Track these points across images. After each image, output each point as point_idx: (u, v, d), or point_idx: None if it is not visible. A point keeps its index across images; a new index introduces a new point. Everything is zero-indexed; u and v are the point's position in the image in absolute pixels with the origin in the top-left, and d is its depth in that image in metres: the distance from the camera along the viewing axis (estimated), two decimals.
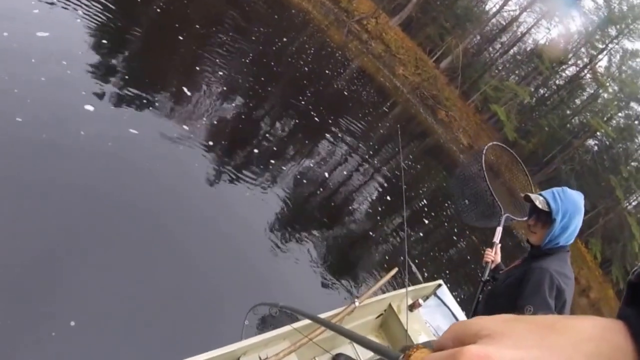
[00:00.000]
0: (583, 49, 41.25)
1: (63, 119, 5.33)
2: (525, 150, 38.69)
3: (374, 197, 11.20)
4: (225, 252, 5.68)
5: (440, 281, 5.53)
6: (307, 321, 3.42)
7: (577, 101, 42.71)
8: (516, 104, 38.43)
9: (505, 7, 41.91)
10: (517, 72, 44.01)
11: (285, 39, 16.40)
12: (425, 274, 9.18)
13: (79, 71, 6.17)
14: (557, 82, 43.22)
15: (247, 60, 11.71)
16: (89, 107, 5.69)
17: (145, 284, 4.38)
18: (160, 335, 4.12)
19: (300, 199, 8.04)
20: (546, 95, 43.57)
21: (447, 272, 10.83)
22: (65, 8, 7.17)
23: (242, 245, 6.01)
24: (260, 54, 12.95)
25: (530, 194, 3.03)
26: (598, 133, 38.74)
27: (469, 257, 13.39)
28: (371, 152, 13.69)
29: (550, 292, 2.63)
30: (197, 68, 9.12)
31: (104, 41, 7.25)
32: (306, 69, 15.49)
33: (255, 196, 7.06)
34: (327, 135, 11.75)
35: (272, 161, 8.22)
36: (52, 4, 7.01)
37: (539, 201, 2.93)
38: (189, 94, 7.88)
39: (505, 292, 2.97)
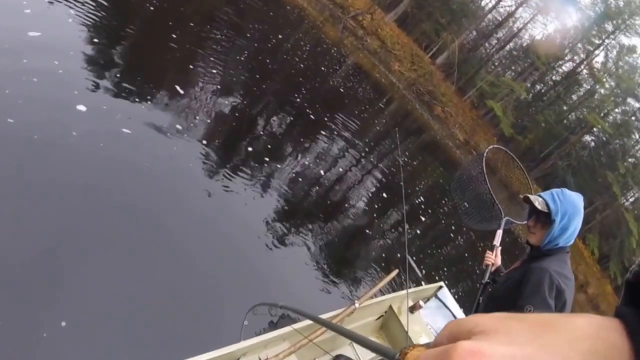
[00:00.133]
0: (579, 45, 41.30)
1: (55, 119, 5.28)
2: (521, 146, 38.73)
3: (372, 195, 11.16)
4: (224, 251, 5.64)
5: (441, 283, 5.53)
6: (306, 322, 3.45)
7: (574, 97, 42.74)
8: (512, 99, 38.41)
9: (501, 3, 41.98)
10: (513, 67, 44.03)
11: (280, 36, 16.34)
12: (424, 270, 9.15)
13: (71, 71, 6.11)
14: (553, 77, 43.25)
15: (242, 58, 11.64)
16: (82, 107, 5.63)
17: (142, 284, 4.34)
18: (159, 336, 4.08)
19: (297, 197, 8.01)
20: (542, 91, 43.60)
21: (445, 269, 10.79)
22: (57, 7, 7.10)
23: (241, 244, 5.97)
24: (256, 51, 12.88)
25: (529, 195, 3.01)
26: (595, 129, 38.81)
27: (466, 255, 13.38)
28: (367, 150, 13.66)
29: (550, 292, 2.61)
30: (191, 66, 9.05)
31: (97, 40, 7.18)
32: (302, 65, 15.44)
33: (252, 195, 7.02)
34: (324, 133, 11.70)
35: (268, 159, 8.15)
36: (43, 3, 6.95)
37: (538, 202, 2.92)
38: (183, 92, 7.81)
39: (505, 294, 2.96)
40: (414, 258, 9.41)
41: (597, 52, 40.72)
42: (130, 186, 5.36)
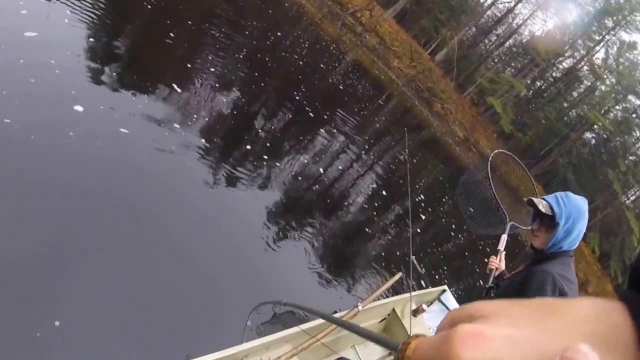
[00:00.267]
0: (580, 41, 41.23)
1: (52, 119, 5.25)
2: (522, 143, 38.71)
3: (372, 194, 11.14)
4: (225, 250, 5.62)
5: (445, 287, 5.52)
6: (309, 324, 3.46)
7: (574, 94, 42.70)
8: (512, 96, 38.40)
9: None
10: (513, 64, 43.97)
11: (279, 33, 16.29)
12: (423, 269, 9.11)
13: (68, 71, 6.07)
14: (553, 74, 43.21)
15: (241, 56, 11.59)
16: (79, 108, 5.60)
17: (141, 284, 4.32)
18: (159, 337, 4.05)
19: (297, 196, 7.99)
20: (543, 87, 43.57)
21: (445, 268, 10.75)
22: (54, 7, 7.06)
23: (242, 244, 5.96)
24: (254, 48, 12.84)
25: (533, 199, 3.00)
26: (595, 126, 38.74)
27: (467, 253, 13.35)
28: (367, 147, 13.62)
29: (553, 295, 2.56)
30: (189, 65, 9.01)
31: (94, 40, 7.13)
32: (300, 63, 15.40)
33: (252, 193, 7.02)
34: (323, 131, 11.67)
35: (267, 157, 8.13)
36: (40, 3, 6.90)
37: (542, 205, 2.91)
38: (181, 91, 7.77)
39: (508, 297, 2.91)
40: (413, 256, 9.36)
41: (597, 48, 40.68)
42: (128, 186, 5.33)
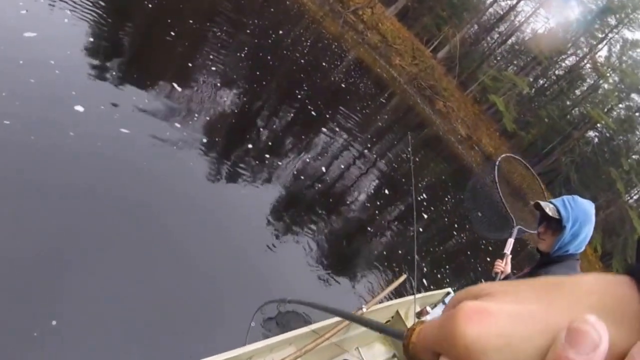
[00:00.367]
0: (582, 39, 41.12)
1: (52, 120, 5.22)
2: (524, 142, 38.66)
3: (375, 193, 11.12)
4: (227, 250, 5.60)
5: (449, 289, 5.52)
6: (314, 326, 3.50)
7: (577, 92, 42.61)
8: (515, 94, 38.27)
9: None
10: (515, 62, 43.87)
11: (280, 32, 16.25)
12: (425, 269, 9.09)
13: (68, 71, 6.04)
14: (556, 72, 43.12)
15: (242, 54, 11.55)
16: (79, 108, 5.57)
17: (141, 285, 4.29)
18: (160, 338, 4.03)
19: (299, 195, 7.99)
20: (545, 85, 43.48)
21: (447, 267, 10.72)
22: (54, 7, 7.02)
23: (244, 244, 5.93)
24: (256, 47, 12.79)
25: (540, 202, 3.00)
26: (598, 125, 38.65)
27: (469, 252, 13.31)
28: (370, 146, 13.62)
29: None
30: (190, 64, 8.97)
31: (94, 40, 7.09)
32: (302, 61, 15.37)
33: (255, 193, 7.01)
34: (325, 129, 11.65)
35: (268, 156, 8.10)
36: (40, 3, 6.86)
37: (549, 208, 2.91)
38: (182, 90, 7.74)
39: None
40: (416, 256, 9.33)
41: (600, 46, 40.57)
42: (129, 185, 5.31)
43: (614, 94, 39.19)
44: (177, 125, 6.83)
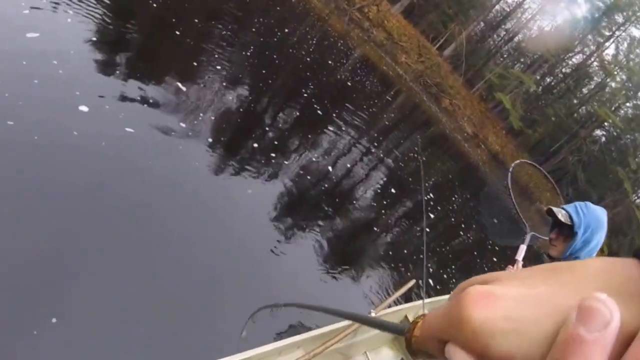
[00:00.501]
0: (590, 36, 40.91)
1: (56, 120, 5.21)
2: (531, 140, 38.54)
3: (382, 192, 11.06)
4: (230, 251, 5.55)
5: None
6: (322, 330, 3.55)
7: (584, 90, 42.40)
8: (522, 92, 38.11)
9: None
10: (522, 59, 43.68)
11: (286, 30, 16.21)
12: (431, 269, 9.03)
13: (72, 71, 6.01)
14: (563, 70, 42.92)
15: (248, 53, 11.51)
16: (83, 108, 5.54)
17: (143, 285, 4.28)
18: (160, 339, 3.99)
19: (304, 195, 7.95)
20: (552, 83, 43.27)
21: (454, 267, 10.64)
22: (56, 7, 6.99)
23: (247, 244, 5.89)
24: (261, 45, 12.75)
25: (552, 208, 2.97)
26: (605, 123, 38.46)
27: (475, 253, 13.25)
28: (376, 144, 13.56)
29: None
30: (195, 63, 8.92)
31: (97, 40, 7.05)
32: (308, 59, 15.33)
33: (259, 192, 6.99)
34: (331, 128, 11.61)
35: (274, 155, 8.07)
36: (42, 3, 6.83)
37: (561, 214, 2.87)
38: (187, 90, 7.70)
39: None
40: (421, 255, 9.27)
41: (607, 44, 40.35)
42: (133, 185, 5.29)
43: (622, 93, 39.02)
44: (182, 124, 6.80)
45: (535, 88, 40.02)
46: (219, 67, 9.34)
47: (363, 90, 18.40)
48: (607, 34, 39.95)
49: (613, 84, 40.41)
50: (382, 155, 13.22)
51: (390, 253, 8.62)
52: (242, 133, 8.18)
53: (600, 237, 2.80)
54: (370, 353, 4.40)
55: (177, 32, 9.14)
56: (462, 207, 15.32)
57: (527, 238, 3.59)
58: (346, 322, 3.69)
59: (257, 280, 5.45)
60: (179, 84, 7.62)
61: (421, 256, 9.05)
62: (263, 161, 7.68)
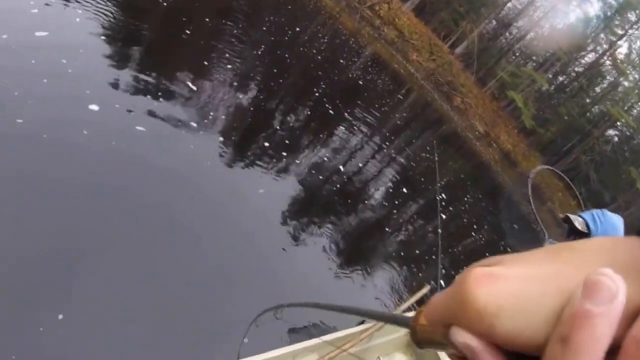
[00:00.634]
0: (602, 35, 40.56)
1: (66, 119, 5.24)
2: (544, 139, 38.27)
3: (395, 192, 11.00)
4: (239, 250, 5.55)
5: None
6: (335, 335, 3.66)
7: (597, 89, 42.04)
8: (534, 90, 37.84)
9: None
10: (534, 58, 43.38)
11: (297, 28, 16.17)
12: (443, 271, 8.93)
13: (81, 70, 6.02)
14: (575, 68, 42.60)
15: (259, 52, 11.48)
16: (94, 107, 5.54)
17: (149, 283, 4.30)
18: (162, 337, 4.00)
19: (315, 194, 7.97)
20: (565, 82, 42.97)
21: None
22: (65, 6, 6.99)
23: (257, 243, 5.89)
24: (272, 44, 12.73)
25: (569, 215, 2.98)
26: (618, 123, 38.10)
27: (487, 254, 13.02)
28: (387, 143, 13.51)
29: None
30: (206, 62, 8.90)
31: (107, 38, 7.06)
32: (319, 57, 15.27)
33: (271, 192, 7.01)
34: (342, 127, 11.62)
35: (285, 154, 8.06)
36: (51, 2, 6.84)
37: (578, 222, 2.88)
38: (198, 88, 7.69)
39: None
40: (432, 256, 9.19)
41: (620, 42, 39.98)
42: (142, 184, 5.30)
43: (635, 92, 38.63)
44: (193, 124, 6.80)
45: (548, 87, 39.74)
46: (229, 66, 9.31)
47: (374, 88, 18.35)
48: (620, 32, 39.57)
49: (626, 83, 40.02)
50: (393, 154, 13.17)
51: (402, 254, 8.55)
52: (253, 132, 8.16)
53: None
54: (383, 358, 4.42)
55: (188, 31, 9.11)
56: (474, 207, 15.21)
57: (545, 245, 3.53)
58: (361, 327, 3.75)
59: (265, 281, 5.44)
60: (190, 83, 7.61)
61: (433, 257, 8.98)
62: (274, 160, 7.65)
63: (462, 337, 0.37)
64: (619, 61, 39.75)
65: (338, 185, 8.84)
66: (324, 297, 5.96)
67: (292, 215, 6.88)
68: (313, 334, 4.97)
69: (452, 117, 27.15)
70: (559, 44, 38.68)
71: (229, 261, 5.28)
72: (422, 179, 13.19)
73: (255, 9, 13.99)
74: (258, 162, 7.27)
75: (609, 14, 39.86)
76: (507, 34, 43.52)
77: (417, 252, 9.08)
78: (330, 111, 11.66)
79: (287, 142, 8.57)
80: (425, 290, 4.72)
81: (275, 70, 11.10)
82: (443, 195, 13.76)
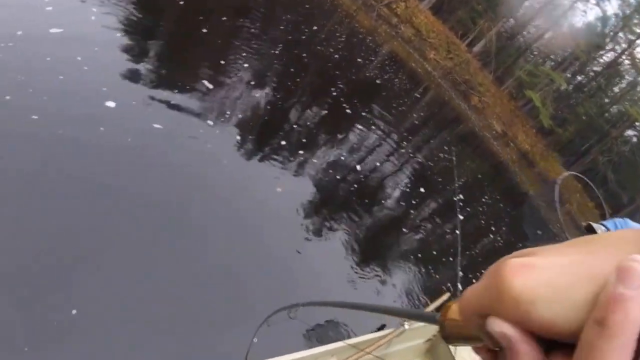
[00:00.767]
0: (621, 34, 40.07)
1: (82, 115, 5.25)
2: (562, 139, 37.87)
3: (412, 191, 10.90)
4: (253, 248, 5.54)
5: None
6: (355, 340, 3.63)
7: (615, 89, 41.55)
8: (552, 90, 37.46)
9: None
10: (552, 57, 42.97)
11: (314, 27, 16.11)
12: (461, 273, 8.80)
13: (97, 68, 6.05)
14: (594, 68, 42.14)
15: (276, 51, 11.42)
16: (110, 104, 5.53)
17: (163, 281, 4.31)
18: (166, 338, 3.99)
19: (331, 193, 7.97)
20: (583, 81, 42.53)
21: (483, 272, 10.37)
22: (79, 3, 6.99)
23: (273, 244, 5.90)
24: (289, 43, 12.67)
25: (592, 223, 2.92)
26: (637, 123, 37.60)
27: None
28: (404, 143, 13.38)
29: None
30: (223, 61, 8.86)
31: (123, 36, 7.06)
32: (336, 56, 15.20)
33: (287, 191, 6.92)
34: (359, 126, 11.54)
35: (302, 152, 8.02)
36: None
37: (600, 231, 2.78)
38: (215, 87, 7.67)
39: None
40: (449, 258, 9.07)
41: (639, 41, 39.46)
42: (158, 181, 5.32)
43: None
44: (210, 122, 6.78)
45: (566, 86, 39.33)
46: (246, 65, 9.27)
47: (391, 87, 18.26)
48: (639, 31, 39.09)
49: None
50: (410, 153, 13.08)
51: (420, 255, 8.45)
52: (270, 130, 8.13)
53: None
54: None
55: (205, 30, 9.07)
56: (492, 208, 15.05)
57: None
58: (381, 333, 3.72)
59: (280, 280, 5.42)
60: (206, 81, 7.57)
61: (450, 258, 8.87)
62: (291, 159, 7.60)
63: (499, 326, 0.38)
64: (637, 60, 39.26)
65: (355, 185, 8.77)
66: (339, 299, 5.91)
67: (309, 214, 6.83)
68: (330, 336, 4.91)
69: (469, 116, 26.94)
70: (577, 43, 38.28)
71: (246, 259, 5.28)
72: (440, 179, 13.07)
73: (272, 7, 13.96)
74: (275, 161, 7.23)
75: (627, 12, 39.38)
76: (525, 32, 43.14)
77: (434, 252, 9.00)
78: (348, 110, 11.59)
79: (304, 140, 8.51)
80: (445, 297, 4.66)
81: (292, 69, 11.05)
82: (460, 195, 13.64)
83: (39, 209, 3.98)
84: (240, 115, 7.58)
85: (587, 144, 38.14)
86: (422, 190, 11.51)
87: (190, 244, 4.86)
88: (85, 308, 3.56)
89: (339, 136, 10.23)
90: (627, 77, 41.37)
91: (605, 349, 0.32)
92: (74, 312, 3.51)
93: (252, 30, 11.24)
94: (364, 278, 6.59)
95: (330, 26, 18.07)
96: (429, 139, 16.16)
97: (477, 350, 0.47)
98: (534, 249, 0.41)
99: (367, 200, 8.70)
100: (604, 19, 40.99)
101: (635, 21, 39.31)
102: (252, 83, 8.86)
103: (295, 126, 8.84)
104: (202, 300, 4.45)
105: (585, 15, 42.10)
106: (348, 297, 6.07)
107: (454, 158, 14.82)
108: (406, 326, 3.69)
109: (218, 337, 4.27)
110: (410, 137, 14.48)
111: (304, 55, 12.69)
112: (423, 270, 7.93)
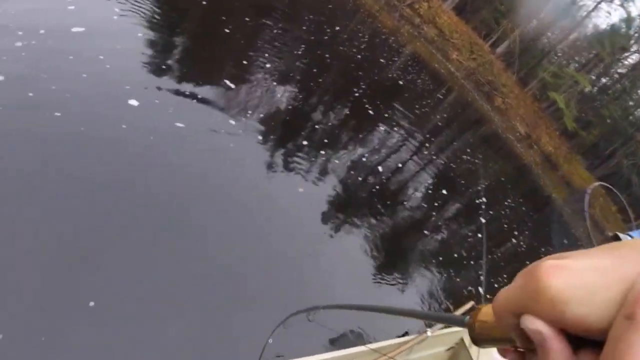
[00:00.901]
0: None
1: (104, 113, 5.29)
2: (586, 142, 37.40)
3: (434, 193, 10.79)
4: (274, 250, 5.51)
5: None
6: (377, 345, 3.52)
7: None
8: (576, 92, 37.00)
9: None
10: (577, 58, 42.47)
11: (336, 27, 16.07)
12: (481, 278, 8.69)
13: (120, 66, 6.05)
14: (618, 70, 41.57)
15: (299, 51, 11.38)
16: (133, 102, 5.54)
17: (181, 279, 4.33)
18: (175, 338, 3.97)
19: (353, 193, 7.91)
20: (608, 84, 41.97)
21: (505, 277, 10.24)
22: (101, 2, 7.03)
23: (294, 245, 5.89)
24: (312, 43, 12.64)
25: (619, 234, 2.95)
26: None
27: (527, 262, 12.62)
28: (426, 144, 13.27)
29: None
30: (245, 61, 8.85)
31: (145, 35, 7.08)
32: (359, 57, 15.13)
33: (308, 191, 6.94)
34: (382, 127, 11.47)
35: (323, 152, 7.98)
36: None
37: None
38: (237, 87, 7.67)
39: None
40: (472, 261, 8.96)
41: None
42: (181, 180, 5.33)
43: None
44: (232, 121, 6.77)
45: (590, 88, 38.83)
46: (268, 65, 9.26)
47: (414, 88, 18.16)
48: None
49: None
50: (433, 154, 12.96)
51: (441, 258, 8.35)
52: (292, 130, 8.12)
53: None
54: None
55: (227, 30, 9.08)
56: (514, 212, 14.86)
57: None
58: (403, 339, 3.68)
59: (298, 282, 5.39)
60: (229, 80, 7.57)
61: (472, 262, 8.78)
62: (313, 159, 7.56)
63: (534, 323, 0.40)
64: None
65: (377, 187, 8.70)
66: (359, 302, 5.85)
67: (330, 214, 6.79)
68: (350, 340, 4.87)
69: (492, 117, 26.71)
70: (601, 44, 37.77)
71: (267, 259, 5.27)
72: (462, 181, 12.94)
73: (294, 8, 13.95)
74: (297, 161, 7.20)
75: None
76: (549, 33, 42.69)
77: (456, 255, 8.89)
78: (370, 111, 11.52)
79: (326, 141, 8.48)
80: (468, 306, 4.59)
81: (314, 70, 11.01)
82: (483, 198, 13.49)
83: (56, 204, 4.03)
84: (262, 115, 7.56)
85: (612, 147, 37.59)
86: (444, 192, 11.40)
87: (208, 242, 4.90)
88: (88, 307, 3.58)
89: (361, 137, 10.18)
90: None
91: (633, 340, 0.34)
92: (73, 312, 3.53)
93: (275, 30, 11.23)
94: (384, 281, 6.53)
95: (353, 26, 18.02)
96: (451, 141, 16.02)
97: (503, 353, 0.48)
98: (567, 253, 0.42)
99: (388, 202, 8.63)
100: (628, 20, 40.37)
101: None
102: (274, 83, 8.85)
103: (317, 126, 8.81)
104: (224, 299, 4.47)
105: (609, 17, 41.53)
106: (368, 300, 6.02)
107: (477, 160, 14.70)
108: (429, 333, 3.66)
109: (233, 340, 4.25)
110: (432, 139, 14.37)
111: (327, 55, 12.65)
112: (444, 274, 7.84)
